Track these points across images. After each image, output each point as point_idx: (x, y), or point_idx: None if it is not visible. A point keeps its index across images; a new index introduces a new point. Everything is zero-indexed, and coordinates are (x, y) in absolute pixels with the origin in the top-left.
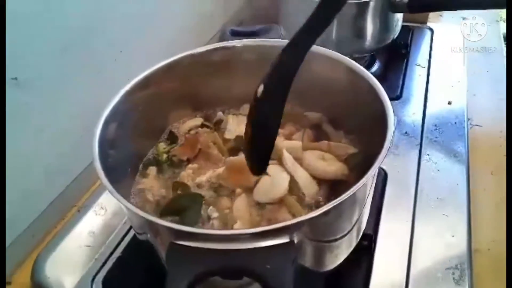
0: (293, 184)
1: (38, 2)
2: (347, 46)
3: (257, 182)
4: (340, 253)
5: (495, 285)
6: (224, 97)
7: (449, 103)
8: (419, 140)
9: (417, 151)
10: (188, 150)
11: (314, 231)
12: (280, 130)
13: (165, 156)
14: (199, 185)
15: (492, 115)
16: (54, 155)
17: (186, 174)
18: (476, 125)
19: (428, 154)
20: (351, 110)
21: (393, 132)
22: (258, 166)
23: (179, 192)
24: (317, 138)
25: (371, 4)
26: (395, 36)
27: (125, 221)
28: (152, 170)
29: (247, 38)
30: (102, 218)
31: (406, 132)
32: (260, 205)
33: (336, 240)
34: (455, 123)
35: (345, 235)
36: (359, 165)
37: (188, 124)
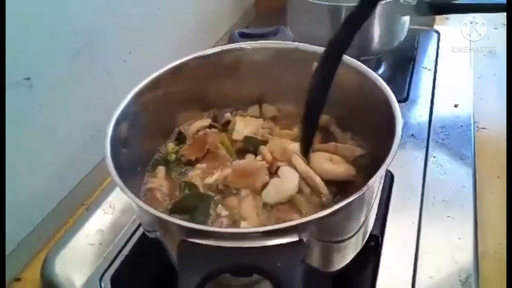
0: (302, 185)
1: (50, 5)
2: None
3: (263, 185)
4: (347, 253)
5: None
6: (232, 99)
7: (456, 106)
8: (426, 143)
9: (424, 154)
10: (196, 150)
11: (323, 231)
12: (288, 132)
13: (173, 156)
14: (207, 185)
15: (499, 119)
16: (64, 155)
17: (195, 174)
18: (483, 128)
19: (434, 157)
20: (359, 112)
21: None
22: (306, 146)
23: (187, 191)
24: (325, 140)
25: (378, 7)
26: (402, 39)
27: (133, 219)
28: (161, 169)
29: (255, 40)
30: (110, 217)
31: (412, 135)
32: (267, 207)
33: (343, 240)
34: (462, 126)
35: (353, 236)
36: (366, 166)
37: (197, 124)
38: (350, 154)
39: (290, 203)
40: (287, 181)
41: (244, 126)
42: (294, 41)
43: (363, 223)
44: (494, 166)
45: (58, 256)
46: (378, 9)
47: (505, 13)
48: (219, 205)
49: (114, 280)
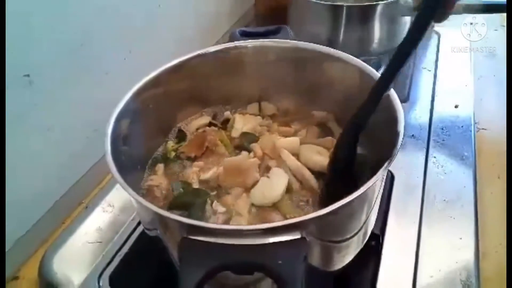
0: (292, 181)
1: (49, 4)
2: (354, 49)
3: (254, 183)
4: (348, 253)
5: None
6: (232, 97)
7: (456, 106)
8: (426, 143)
9: (424, 154)
10: (195, 147)
11: (324, 230)
12: (286, 129)
13: (173, 153)
14: (203, 182)
15: (499, 119)
16: (63, 154)
17: (192, 172)
18: (483, 129)
19: (435, 157)
20: None
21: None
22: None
23: (181, 189)
24: (322, 136)
25: (379, 7)
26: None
27: (132, 217)
28: (161, 167)
29: (256, 39)
30: (109, 215)
31: (413, 135)
32: (255, 206)
33: (345, 240)
34: (462, 126)
35: (354, 235)
36: (364, 164)
37: (197, 122)
38: None
39: (274, 206)
40: (275, 186)
41: (243, 124)
42: (295, 40)
43: (364, 223)
44: (494, 166)
45: (56, 254)
46: (379, 10)
47: (505, 14)
48: (215, 201)
49: (112, 278)
